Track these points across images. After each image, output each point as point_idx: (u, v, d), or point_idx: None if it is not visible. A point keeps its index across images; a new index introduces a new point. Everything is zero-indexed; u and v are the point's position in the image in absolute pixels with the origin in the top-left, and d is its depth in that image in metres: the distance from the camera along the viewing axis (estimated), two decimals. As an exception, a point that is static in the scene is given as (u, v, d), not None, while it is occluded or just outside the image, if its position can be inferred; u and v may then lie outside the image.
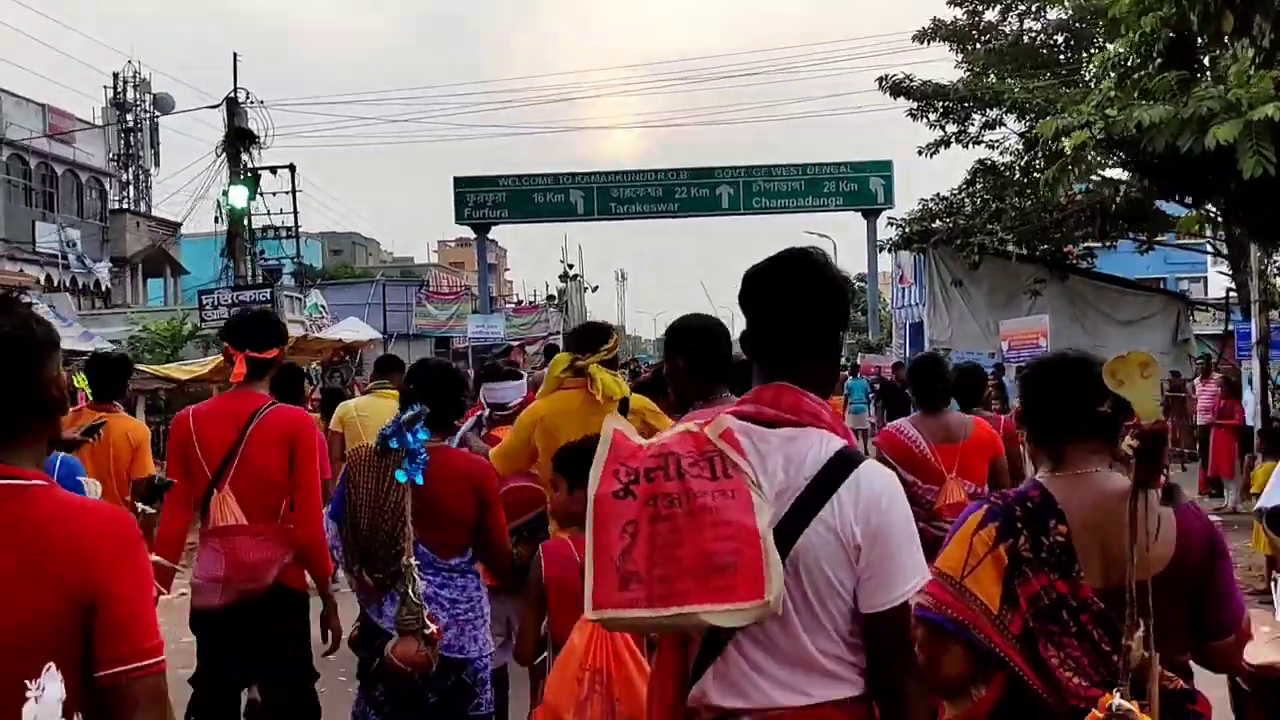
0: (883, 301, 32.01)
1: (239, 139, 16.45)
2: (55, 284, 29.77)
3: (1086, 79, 19.29)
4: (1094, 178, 20.59)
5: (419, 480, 3.11)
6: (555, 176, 31.19)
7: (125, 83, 38.77)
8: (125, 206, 36.06)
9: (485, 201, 31.15)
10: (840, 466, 1.69)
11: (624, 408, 3.81)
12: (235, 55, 17.18)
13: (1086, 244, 21.69)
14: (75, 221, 31.79)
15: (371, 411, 6.25)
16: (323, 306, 24.52)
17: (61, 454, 3.77)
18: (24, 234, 29.62)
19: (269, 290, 14.58)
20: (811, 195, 30.73)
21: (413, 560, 3.14)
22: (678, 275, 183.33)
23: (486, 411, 4.88)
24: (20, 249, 29.46)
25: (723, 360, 3.33)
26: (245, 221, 17.46)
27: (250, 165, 18.29)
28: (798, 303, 1.77)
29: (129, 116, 38.68)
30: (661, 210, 31.04)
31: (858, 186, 30.47)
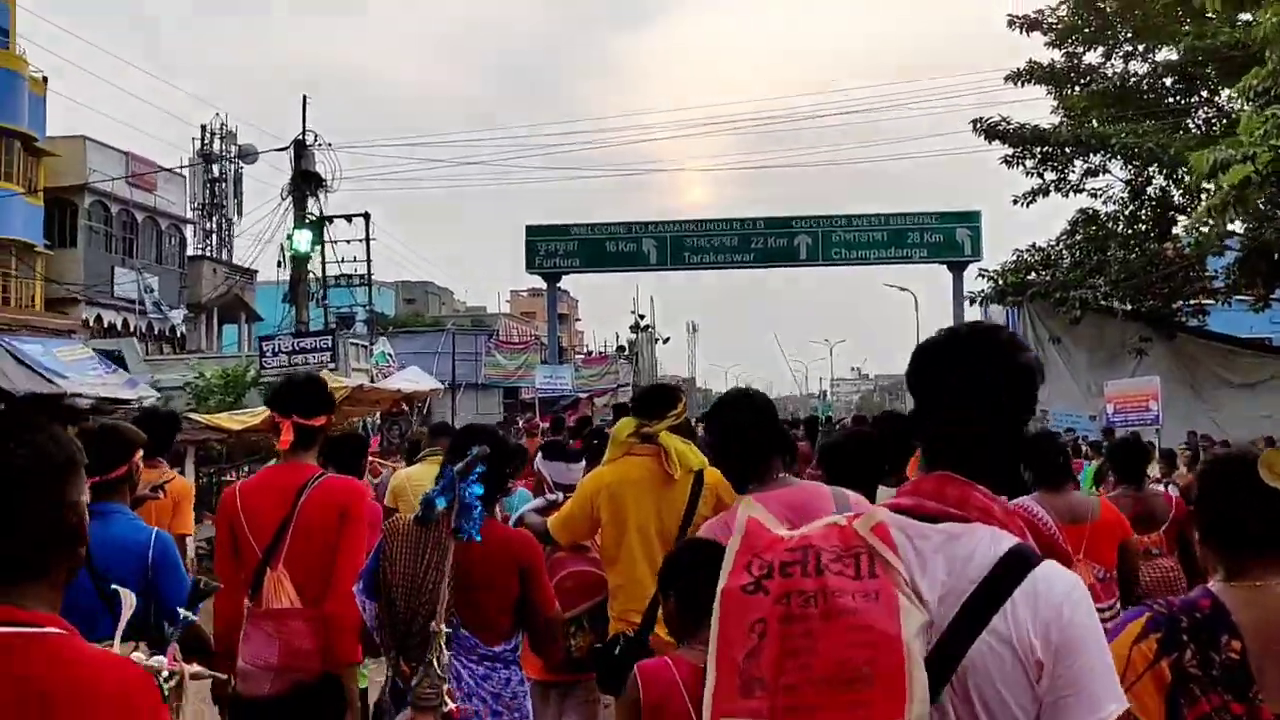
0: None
1: (305, 182, 16.06)
2: (132, 329, 29.98)
3: (1194, 124, 18.03)
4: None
5: (478, 538, 2.82)
6: (628, 225, 30.57)
7: (212, 134, 39.57)
8: (204, 253, 36.49)
9: (556, 250, 30.63)
10: (1014, 567, 1.49)
11: (698, 480, 3.61)
12: (305, 98, 16.96)
13: (1198, 300, 20.14)
14: (153, 267, 32.12)
15: (425, 480, 5.70)
16: (390, 355, 24.06)
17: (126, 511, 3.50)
18: (103, 279, 29.96)
19: (330, 337, 13.98)
20: (894, 246, 29.55)
21: (443, 626, 2.82)
22: (751, 327, 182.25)
23: (559, 496, 4.36)
24: (99, 294, 29.77)
25: (766, 435, 2.95)
26: (309, 266, 17.00)
27: (320, 211, 17.97)
28: (976, 384, 1.57)
29: (214, 167, 39.43)
30: (737, 260, 30.14)
31: (943, 237, 29.19)
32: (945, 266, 29.59)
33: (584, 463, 4.69)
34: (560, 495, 4.37)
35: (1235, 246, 19.21)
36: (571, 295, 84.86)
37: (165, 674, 3.10)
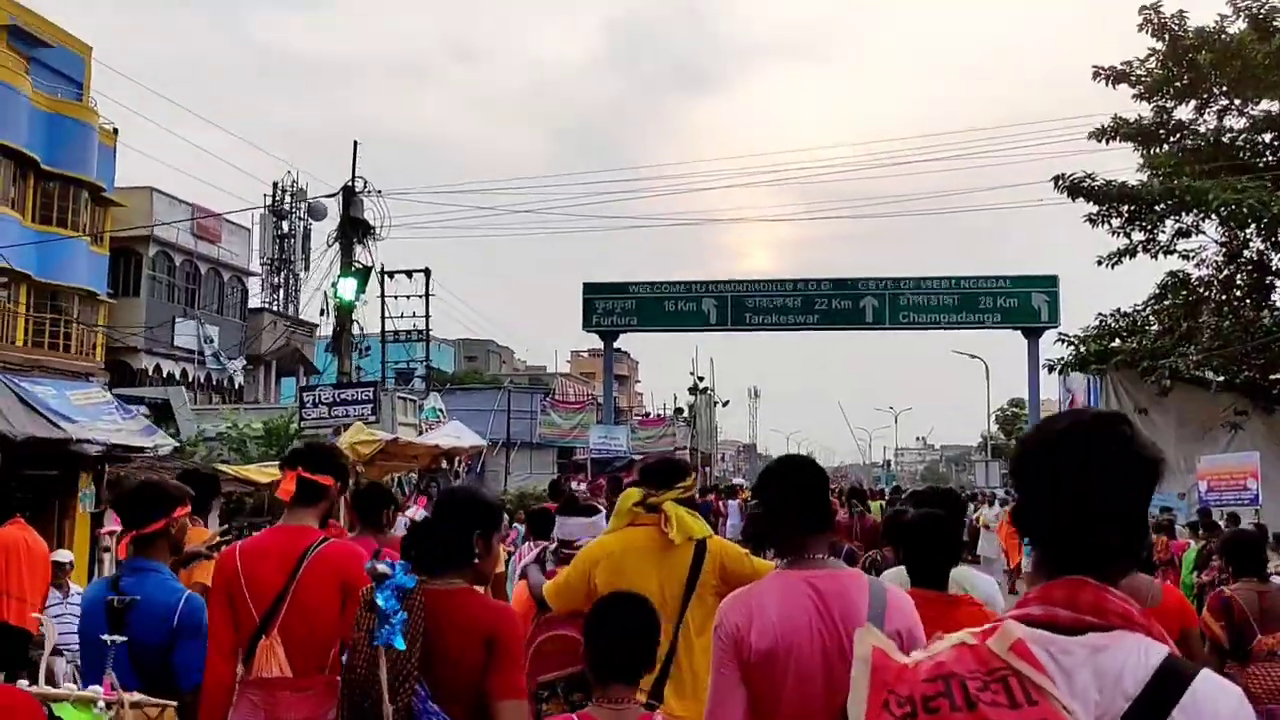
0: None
1: (353, 228, 15.66)
2: (190, 379, 29.97)
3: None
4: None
5: (399, 644, 2.68)
6: (687, 284, 29.87)
7: (283, 191, 40.10)
8: (265, 305, 36.65)
9: (614, 309, 30.03)
10: (1170, 682, 1.36)
11: (700, 549, 3.60)
12: (355, 144, 16.60)
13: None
14: (214, 318, 32.24)
15: None
16: (441, 410, 23.57)
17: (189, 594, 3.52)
18: (165, 330, 30.08)
19: (372, 389, 13.37)
20: (966, 310, 28.34)
21: (389, 709, 2.66)
22: (815, 393, 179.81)
23: (554, 544, 4.49)
24: (159, 344, 29.88)
25: (812, 503, 2.75)
26: (364, 318, 16.52)
27: (375, 259, 17.58)
28: (1106, 485, 1.44)
29: (284, 223, 39.89)
30: (800, 323, 29.19)
31: (1018, 302, 27.92)
32: (1020, 332, 28.33)
33: (584, 519, 4.55)
34: (554, 543, 4.46)
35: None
36: (631, 357, 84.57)
37: (101, 704, 2.89)
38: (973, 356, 40.57)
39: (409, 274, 36.73)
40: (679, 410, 43.90)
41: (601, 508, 5.24)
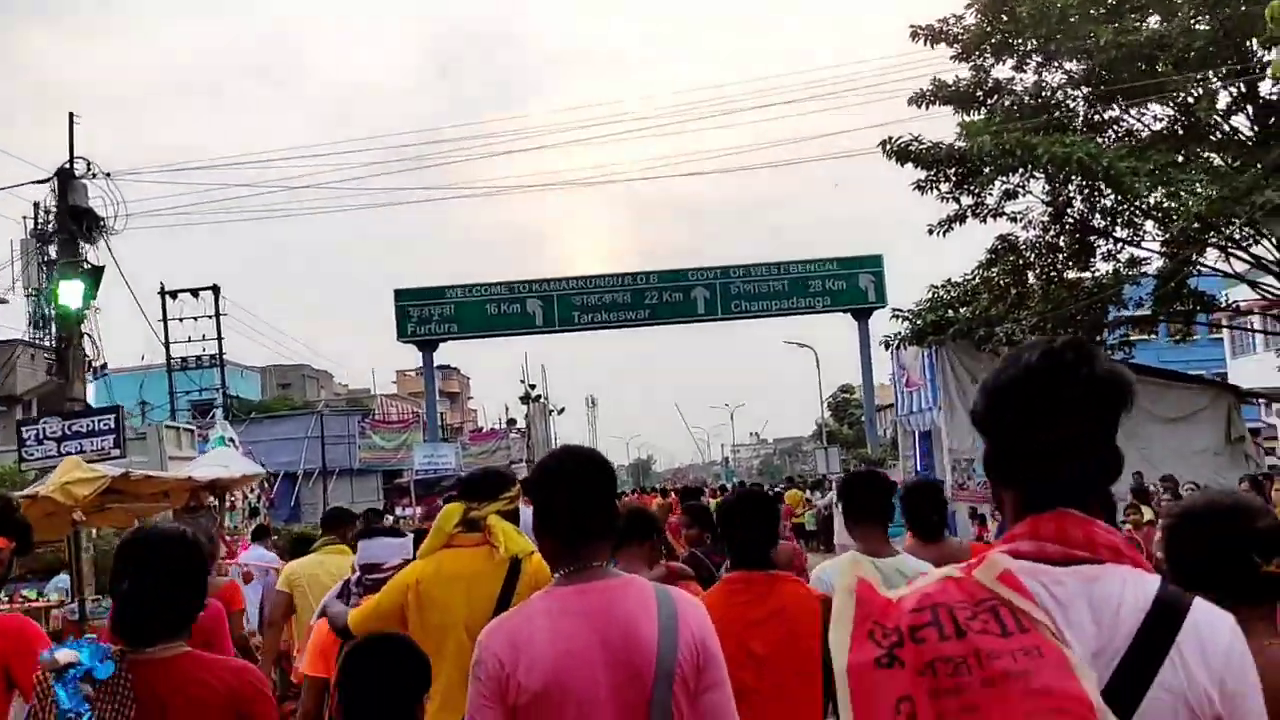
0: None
1: (74, 220, 12.99)
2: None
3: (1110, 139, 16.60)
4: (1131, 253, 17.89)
5: None
6: (510, 285, 28.06)
7: (47, 213, 35.63)
8: (20, 338, 32.31)
9: (431, 316, 27.90)
10: (1169, 613, 1.37)
11: (514, 569, 3.31)
12: (71, 115, 13.50)
13: (1123, 332, 18.61)
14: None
15: (320, 571, 5.84)
16: (232, 440, 20.74)
17: None
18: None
19: (113, 417, 10.92)
20: (795, 296, 27.74)
21: None
22: (652, 396, 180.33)
23: (356, 574, 4.00)
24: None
25: (586, 503, 2.33)
26: (81, 326, 13.72)
27: (111, 259, 14.47)
28: (1074, 410, 1.42)
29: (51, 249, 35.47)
30: (630, 319, 27.86)
31: (846, 285, 27.54)
32: (850, 315, 27.92)
33: (386, 539, 4.15)
34: (356, 573, 4.03)
35: (1153, 275, 17.89)
36: (462, 373, 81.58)
37: None
38: (802, 345, 40.42)
39: (195, 292, 33.34)
40: (511, 421, 41.89)
41: (409, 531, 4.92)
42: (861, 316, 27.56)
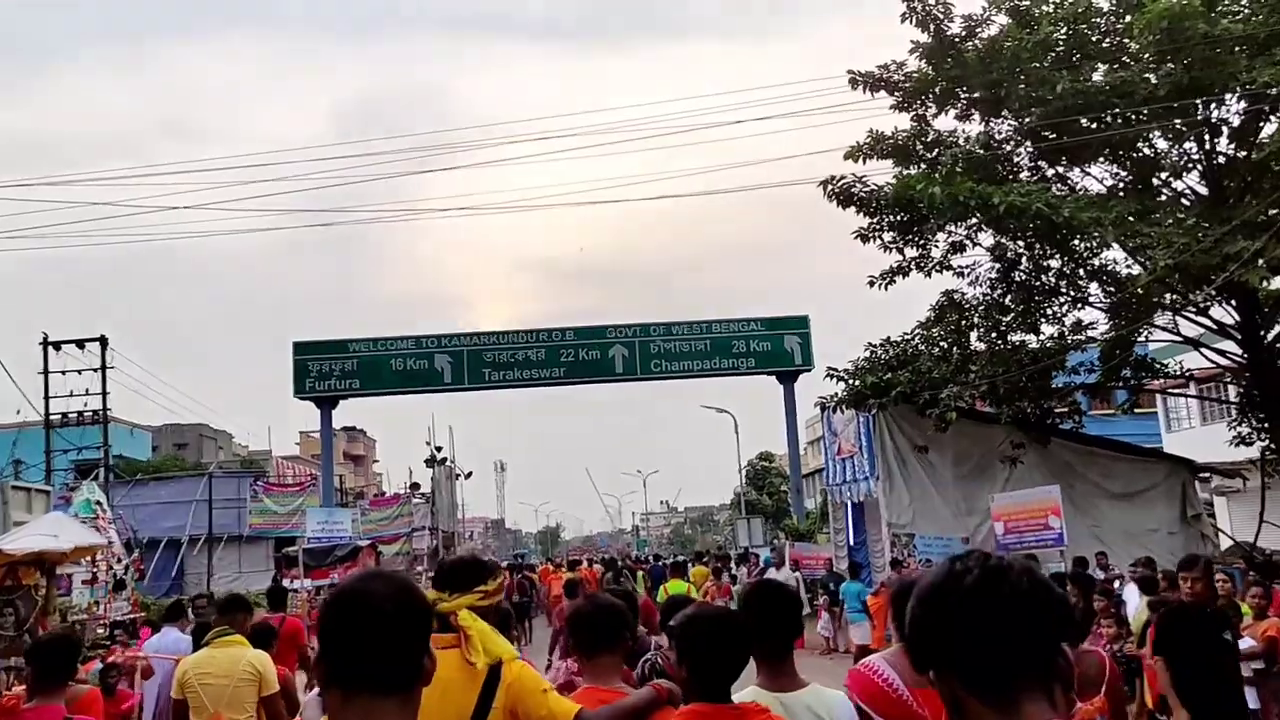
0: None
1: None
2: None
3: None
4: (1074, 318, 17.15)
5: None
6: (417, 339, 26.25)
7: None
8: None
9: (331, 371, 25.91)
10: None
11: (493, 679, 2.86)
12: None
13: (1071, 401, 17.70)
14: None
15: (213, 669, 5.35)
16: (100, 504, 18.38)
17: None
18: None
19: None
20: (718, 356, 26.54)
21: None
22: (563, 461, 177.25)
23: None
24: None
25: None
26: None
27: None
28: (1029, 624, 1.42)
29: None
30: (544, 377, 26.27)
31: (771, 346, 26.48)
32: (775, 377, 26.81)
33: None
34: None
35: (1100, 339, 17.11)
36: (368, 435, 78.26)
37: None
38: (720, 410, 39.21)
39: (80, 344, 30.72)
40: (415, 485, 39.45)
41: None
42: (787, 379, 26.50)
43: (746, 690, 3.04)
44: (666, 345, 26.37)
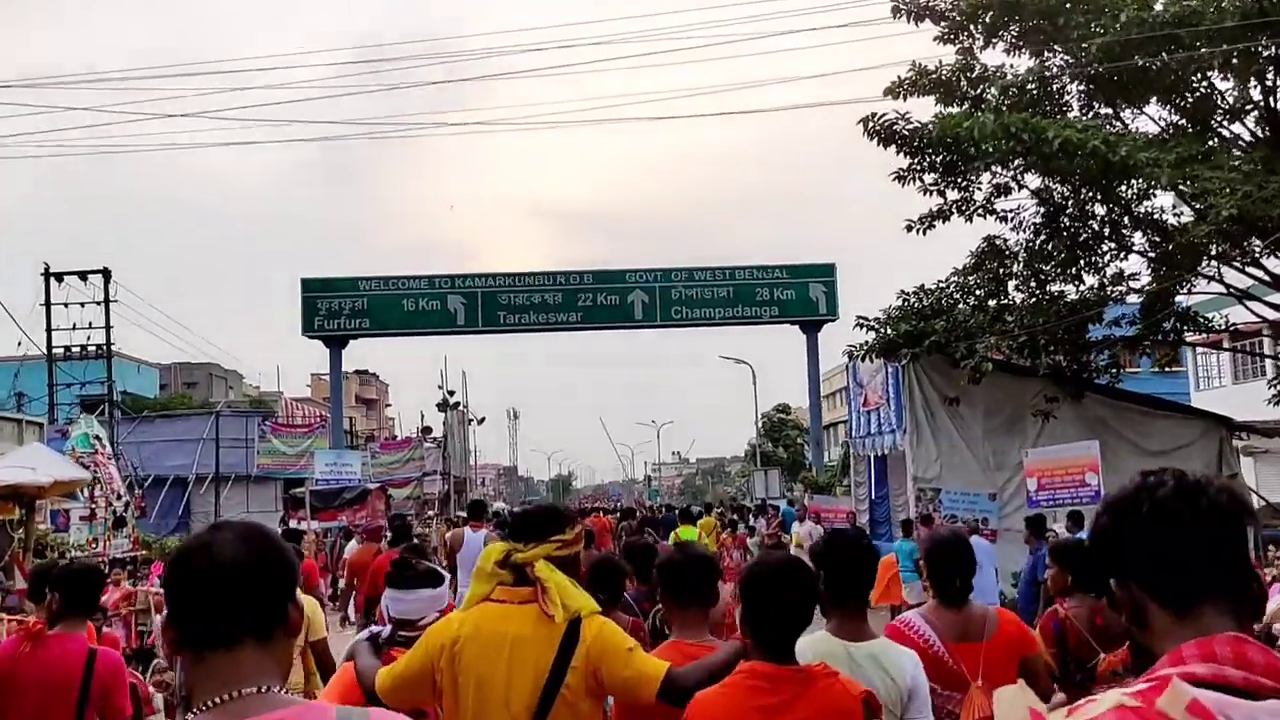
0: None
1: None
2: None
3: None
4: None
5: None
6: (430, 279, 25.53)
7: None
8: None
9: (341, 310, 25.25)
10: None
11: (572, 633, 2.73)
12: None
13: (1112, 354, 16.92)
14: None
15: None
16: (98, 439, 17.88)
17: None
18: None
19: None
20: (741, 305, 25.75)
21: None
22: (577, 405, 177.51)
23: (387, 629, 3.45)
24: None
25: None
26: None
27: None
28: (1227, 530, 1.40)
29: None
30: (561, 321, 25.55)
31: (795, 295, 25.66)
32: (798, 327, 26.03)
33: (422, 591, 3.50)
34: (386, 628, 3.46)
35: (1140, 291, 16.29)
36: (381, 379, 77.97)
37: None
38: (739, 361, 38.49)
39: (83, 275, 30.18)
40: (427, 429, 39.07)
41: (446, 574, 3.99)
42: (811, 329, 25.73)
43: (818, 634, 3.00)
44: (688, 291, 25.60)
